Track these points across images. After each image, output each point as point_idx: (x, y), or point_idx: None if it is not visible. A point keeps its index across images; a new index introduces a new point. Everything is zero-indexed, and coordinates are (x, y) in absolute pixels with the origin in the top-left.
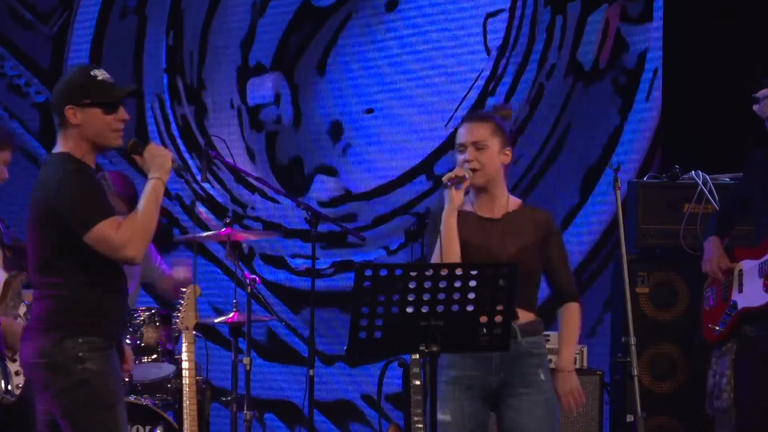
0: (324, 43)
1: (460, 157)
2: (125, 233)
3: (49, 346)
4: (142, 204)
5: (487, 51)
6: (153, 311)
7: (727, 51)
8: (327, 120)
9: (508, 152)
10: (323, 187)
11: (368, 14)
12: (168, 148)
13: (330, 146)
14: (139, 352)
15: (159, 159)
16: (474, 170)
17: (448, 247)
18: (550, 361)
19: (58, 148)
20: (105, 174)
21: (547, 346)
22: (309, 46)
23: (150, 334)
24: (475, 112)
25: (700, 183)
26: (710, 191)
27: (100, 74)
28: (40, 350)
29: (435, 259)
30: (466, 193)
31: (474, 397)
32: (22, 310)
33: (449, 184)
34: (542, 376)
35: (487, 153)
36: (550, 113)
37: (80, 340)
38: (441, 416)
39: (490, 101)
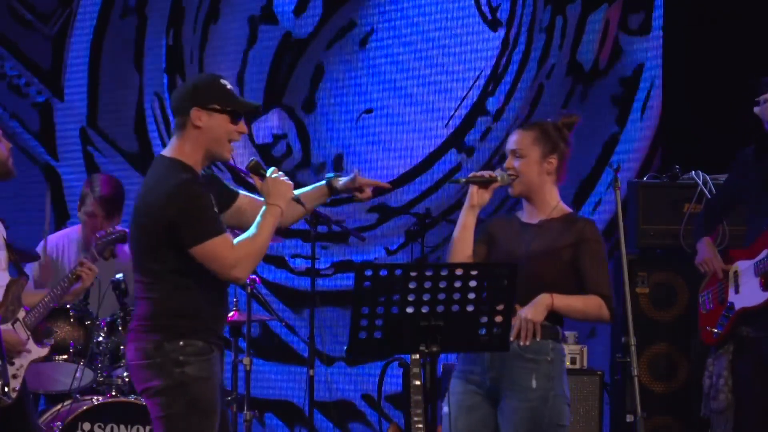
0: (309, 75)
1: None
2: (239, 253)
3: (151, 348)
4: (259, 228)
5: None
6: None
7: (727, 51)
8: (326, 151)
9: (552, 160)
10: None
11: (374, 10)
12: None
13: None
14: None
15: (282, 188)
16: (512, 177)
17: (459, 246)
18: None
19: (170, 152)
20: (93, 176)
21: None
22: (293, 79)
23: None
24: (529, 121)
25: (700, 183)
26: (710, 191)
27: (229, 85)
28: (143, 352)
29: (448, 252)
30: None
31: (473, 391)
32: (21, 314)
33: (463, 180)
34: (533, 383)
35: (526, 162)
36: (550, 113)
37: (181, 343)
38: (444, 408)
39: (491, 101)
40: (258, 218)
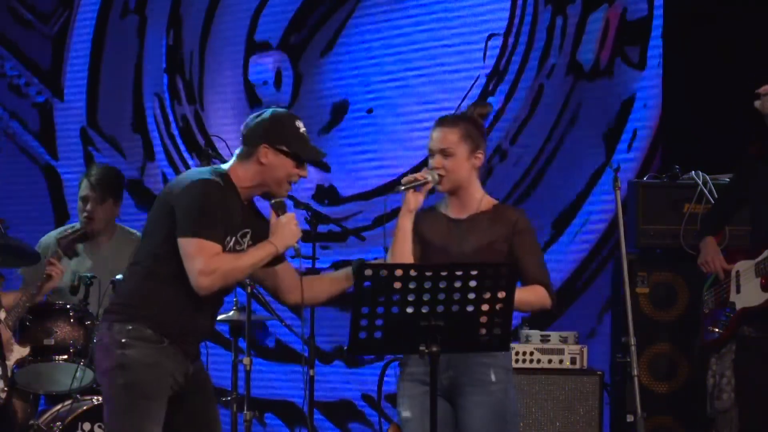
0: (332, 29)
1: (430, 162)
2: (217, 264)
3: (104, 328)
4: (248, 254)
5: (484, 54)
6: None
7: (727, 50)
8: (327, 103)
9: (479, 155)
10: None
11: (373, 9)
12: (167, 147)
13: (325, 134)
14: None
15: (288, 233)
16: (441, 176)
17: (398, 250)
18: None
19: (228, 167)
20: (92, 164)
21: (549, 345)
22: (317, 30)
23: None
24: (447, 117)
25: (700, 183)
26: (710, 191)
27: (302, 127)
28: (97, 332)
29: (389, 259)
30: (431, 193)
31: (428, 392)
32: (2, 315)
33: (403, 188)
34: (492, 377)
35: (454, 160)
36: (550, 113)
37: (129, 327)
38: (403, 413)
39: (491, 100)
40: (252, 248)
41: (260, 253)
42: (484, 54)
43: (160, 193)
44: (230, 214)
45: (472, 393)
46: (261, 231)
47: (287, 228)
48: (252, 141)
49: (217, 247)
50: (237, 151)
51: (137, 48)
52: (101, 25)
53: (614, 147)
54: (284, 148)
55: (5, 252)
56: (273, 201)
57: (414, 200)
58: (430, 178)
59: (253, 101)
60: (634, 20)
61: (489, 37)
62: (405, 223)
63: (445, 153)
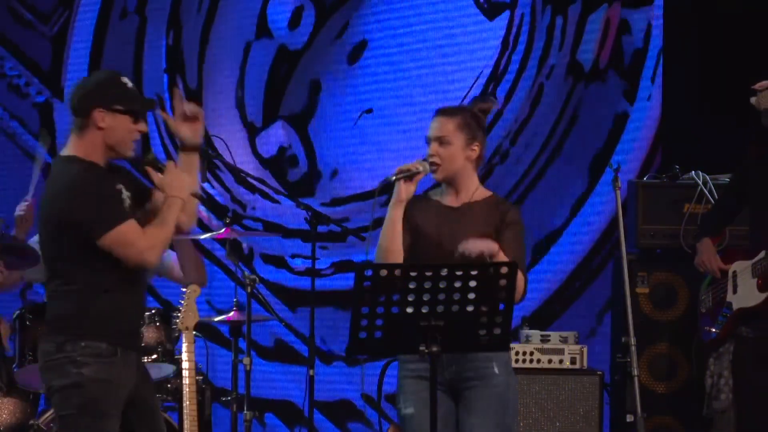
0: (334, 29)
1: (427, 150)
2: (150, 239)
3: (53, 349)
4: (164, 218)
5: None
6: (153, 311)
7: (728, 51)
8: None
9: (475, 147)
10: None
11: (373, 9)
12: (167, 148)
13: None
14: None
15: (181, 181)
16: (436, 165)
17: (388, 239)
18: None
19: (68, 150)
20: None
21: (549, 345)
22: (290, 89)
23: (150, 334)
24: (447, 107)
25: (700, 183)
26: (710, 191)
27: (129, 82)
28: (45, 353)
29: (377, 251)
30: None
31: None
32: None
33: (393, 178)
34: (495, 370)
35: (450, 149)
36: (550, 113)
37: (82, 344)
38: (405, 410)
39: None
40: (161, 210)
41: (172, 211)
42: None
43: (41, 214)
44: (112, 185)
45: (475, 387)
46: (131, 183)
47: (177, 178)
48: (84, 109)
49: (134, 222)
50: (72, 127)
51: (137, 48)
52: (101, 25)
53: (614, 147)
54: (118, 107)
55: (5, 252)
56: (146, 160)
57: (405, 190)
58: (421, 168)
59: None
60: (634, 19)
61: (488, 37)
62: (395, 213)
63: (441, 141)
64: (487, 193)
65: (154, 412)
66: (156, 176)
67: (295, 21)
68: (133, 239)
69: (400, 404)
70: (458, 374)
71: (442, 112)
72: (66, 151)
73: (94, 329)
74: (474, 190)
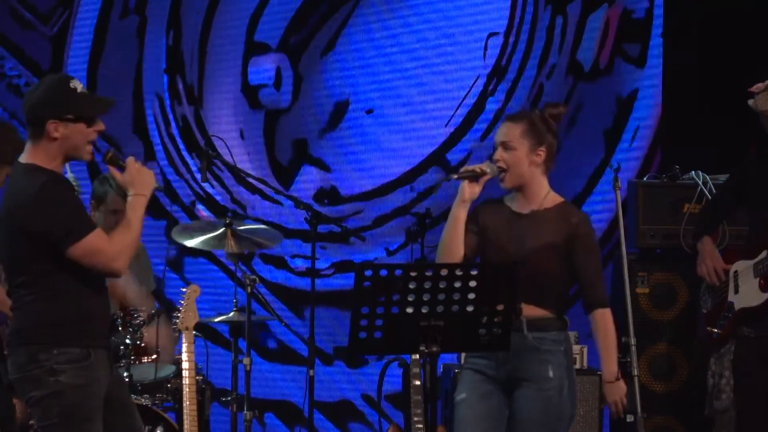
0: (331, 31)
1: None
2: (117, 246)
3: (25, 360)
4: (130, 220)
5: (484, 54)
6: (153, 311)
7: (728, 51)
8: (328, 104)
9: (541, 152)
10: (311, 179)
11: (373, 9)
12: (168, 148)
13: (328, 135)
14: (139, 352)
15: (145, 177)
16: (502, 170)
17: (449, 238)
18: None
19: (26, 158)
20: (108, 174)
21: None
22: (316, 32)
23: (150, 335)
24: (516, 112)
25: (700, 183)
26: (710, 191)
27: (79, 86)
28: (18, 365)
29: (439, 249)
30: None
31: (486, 381)
32: None
33: (455, 176)
34: (550, 373)
35: (515, 154)
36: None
37: (55, 351)
38: (458, 397)
39: (491, 101)
40: (126, 212)
41: (139, 210)
42: (485, 53)
43: (6, 217)
44: (76, 195)
45: (527, 387)
46: None
47: (140, 173)
48: (37, 120)
49: (100, 231)
50: (28, 136)
51: (137, 48)
52: (101, 25)
53: (614, 147)
54: (70, 117)
55: None
56: (107, 158)
57: (469, 191)
58: (489, 170)
59: (253, 101)
60: (634, 19)
61: (489, 36)
62: (458, 213)
63: (505, 146)
64: (558, 200)
65: (128, 409)
66: (117, 174)
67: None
68: (101, 247)
69: (456, 392)
70: (513, 373)
71: (509, 117)
72: (25, 158)
73: (65, 335)
74: (544, 196)
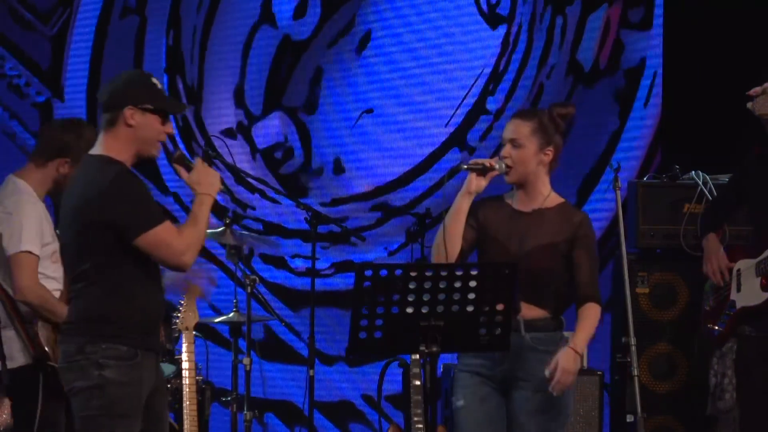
0: (309, 76)
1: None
2: (186, 240)
3: (74, 350)
4: (197, 217)
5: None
6: None
7: (727, 51)
8: (327, 157)
9: (549, 152)
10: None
11: (373, 8)
12: (167, 148)
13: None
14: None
15: (211, 178)
16: (508, 167)
17: (450, 229)
18: None
19: (99, 149)
20: None
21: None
22: (292, 81)
23: None
24: (524, 109)
25: (700, 183)
26: (710, 191)
27: (159, 84)
28: (66, 354)
29: (437, 237)
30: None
31: (483, 383)
32: None
33: (465, 167)
34: (547, 373)
35: (522, 152)
36: None
37: (103, 346)
38: (456, 403)
39: (491, 100)
40: (192, 209)
41: (205, 209)
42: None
43: (68, 205)
44: (146, 187)
45: (524, 387)
46: None
47: (206, 173)
48: (114, 106)
49: (169, 224)
50: (101, 125)
51: (137, 48)
52: (101, 25)
53: (614, 146)
54: (148, 106)
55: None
56: (175, 158)
57: (476, 183)
58: (497, 166)
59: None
60: (634, 21)
61: (488, 37)
62: (462, 203)
63: (514, 143)
64: (559, 200)
65: (161, 423)
66: (184, 174)
67: (300, 12)
68: (170, 241)
69: (453, 397)
70: (510, 372)
71: (518, 114)
72: (96, 149)
73: (116, 332)
74: (546, 195)
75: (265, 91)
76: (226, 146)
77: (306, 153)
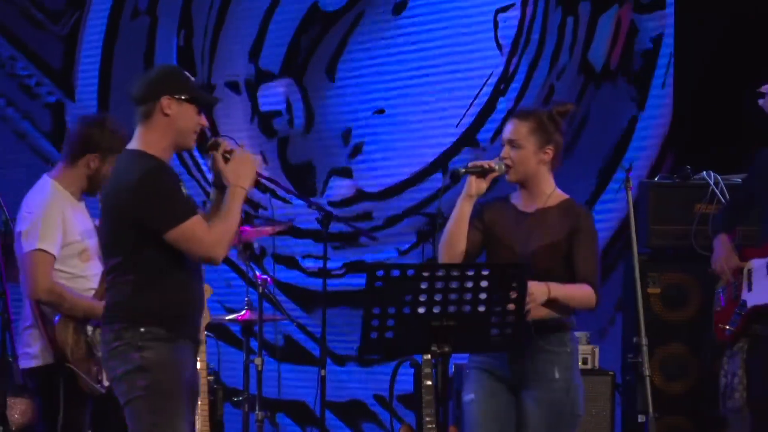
0: (332, 48)
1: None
2: (216, 234)
3: (112, 337)
4: (229, 210)
5: (499, 47)
6: None
7: (739, 51)
8: (338, 125)
9: (549, 151)
10: (337, 193)
11: (376, 18)
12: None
13: (341, 150)
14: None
15: (247, 169)
16: (508, 167)
17: (452, 231)
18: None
19: (136, 144)
20: None
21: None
22: (317, 50)
23: None
24: (522, 109)
25: (712, 183)
26: (722, 192)
27: (191, 78)
28: (104, 342)
29: (441, 241)
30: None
31: (495, 379)
32: None
33: (464, 170)
34: (557, 374)
35: (521, 152)
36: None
37: (141, 329)
38: (466, 397)
39: (502, 101)
40: (224, 201)
41: (237, 202)
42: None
43: (104, 198)
44: (179, 181)
45: (533, 388)
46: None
47: (243, 164)
48: (150, 97)
49: (200, 218)
50: (137, 119)
51: (148, 48)
52: (112, 25)
53: (625, 147)
54: (185, 96)
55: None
56: (208, 144)
57: (476, 186)
58: (496, 167)
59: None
60: (646, 15)
61: (499, 35)
62: (464, 207)
63: (513, 144)
64: (563, 197)
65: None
66: (221, 162)
67: None
68: (200, 235)
69: (463, 392)
70: (520, 373)
71: (516, 114)
72: (133, 144)
73: (153, 316)
74: (549, 194)
75: (284, 57)
76: (238, 145)
77: (308, 120)
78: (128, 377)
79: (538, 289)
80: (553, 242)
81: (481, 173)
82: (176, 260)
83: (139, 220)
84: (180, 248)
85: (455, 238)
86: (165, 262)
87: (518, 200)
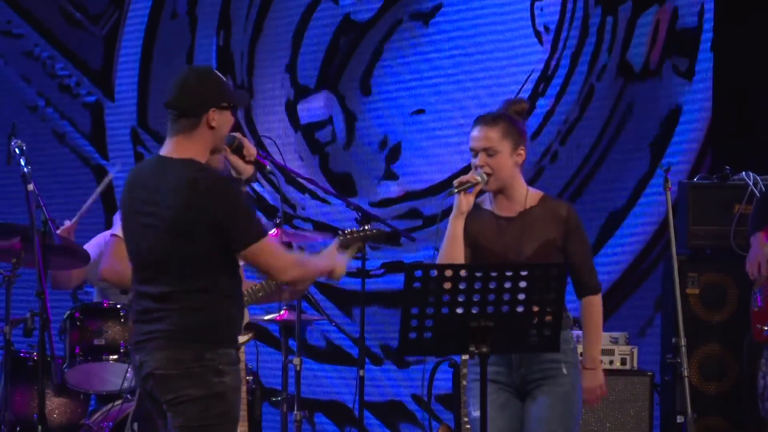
0: (366, 59)
1: (473, 161)
2: (298, 258)
3: (190, 358)
4: (321, 257)
5: (537, 35)
6: None
7: None
8: (376, 134)
9: (521, 151)
10: (385, 193)
11: (408, 25)
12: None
13: (379, 156)
14: None
15: (343, 268)
16: (487, 175)
17: (449, 252)
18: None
19: (183, 153)
20: None
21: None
22: (350, 62)
23: None
24: (487, 115)
25: (751, 184)
26: (760, 191)
27: (224, 78)
28: (179, 362)
29: (439, 260)
30: (481, 193)
31: (501, 390)
32: None
33: (456, 190)
34: (564, 370)
35: (498, 158)
36: (600, 114)
37: (220, 351)
38: (473, 413)
39: (541, 102)
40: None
41: (326, 263)
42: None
43: (171, 217)
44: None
45: (543, 386)
46: None
47: (343, 265)
48: (198, 110)
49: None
50: (176, 130)
51: (187, 48)
52: (152, 25)
53: (665, 148)
54: (225, 104)
55: (55, 252)
56: (233, 146)
57: (466, 202)
58: (480, 179)
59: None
60: (685, 15)
61: (539, 37)
62: (457, 225)
63: (489, 151)
64: (538, 195)
65: None
66: (240, 164)
67: None
68: (280, 252)
69: (469, 407)
70: (527, 376)
71: (482, 120)
72: (178, 153)
73: (227, 336)
74: (525, 194)
75: (320, 70)
76: (276, 146)
77: (349, 135)
78: (202, 402)
79: (592, 380)
80: (547, 242)
81: (469, 188)
82: (233, 276)
83: (214, 230)
84: (256, 262)
85: (453, 257)
86: (228, 278)
87: (491, 206)
